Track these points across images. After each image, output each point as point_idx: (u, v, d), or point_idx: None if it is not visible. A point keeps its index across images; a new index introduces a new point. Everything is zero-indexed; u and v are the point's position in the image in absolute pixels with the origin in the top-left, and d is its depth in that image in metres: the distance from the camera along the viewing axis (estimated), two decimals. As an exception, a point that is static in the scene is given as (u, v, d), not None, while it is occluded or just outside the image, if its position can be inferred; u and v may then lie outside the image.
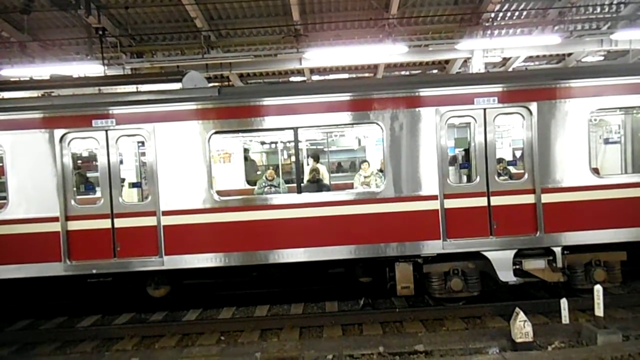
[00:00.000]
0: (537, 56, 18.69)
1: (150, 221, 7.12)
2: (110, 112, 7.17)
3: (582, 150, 7.04)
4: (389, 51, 14.46)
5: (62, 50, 15.82)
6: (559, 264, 7.04)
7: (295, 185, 7.63)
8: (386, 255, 7.15)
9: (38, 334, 7.41)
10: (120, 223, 7.16)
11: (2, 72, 14.30)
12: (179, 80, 7.67)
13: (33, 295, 8.22)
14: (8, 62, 15.08)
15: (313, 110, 7.18)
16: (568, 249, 7.13)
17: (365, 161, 9.71)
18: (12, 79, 13.71)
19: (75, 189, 7.29)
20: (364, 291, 8.13)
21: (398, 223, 7.07)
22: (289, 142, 11.61)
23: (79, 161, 9.79)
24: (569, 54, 18.57)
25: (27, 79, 13.48)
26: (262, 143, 14.16)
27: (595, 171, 7.42)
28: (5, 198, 7.19)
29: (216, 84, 18.73)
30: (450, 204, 7.04)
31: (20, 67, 14.32)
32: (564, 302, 6.62)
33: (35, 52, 15.46)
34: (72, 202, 7.16)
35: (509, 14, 15.37)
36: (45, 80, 9.28)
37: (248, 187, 11.68)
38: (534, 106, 7.05)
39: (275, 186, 9.23)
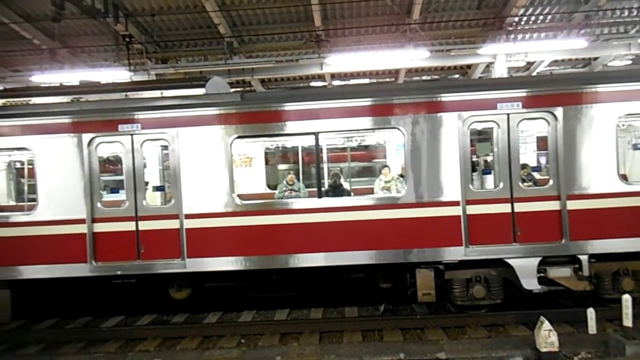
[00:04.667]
0: (562, 60, 18.33)
1: (173, 224, 7.23)
2: (136, 117, 7.34)
3: (609, 156, 6.88)
4: (411, 56, 14.41)
5: (90, 57, 16.28)
6: (586, 273, 6.86)
7: (315, 189, 7.65)
8: (407, 262, 7.10)
9: (64, 334, 7.59)
10: (144, 225, 7.30)
11: (33, 78, 14.81)
12: (203, 86, 7.79)
13: (59, 295, 8.43)
14: (39, 68, 15.60)
15: (334, 116, 7.21)
16: (595, 257, 6.95)
17: (386, 166, 9.68)
18: (42, 85, 14.18)
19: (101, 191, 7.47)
20: (384, 297, 8.08)
21: (419, 229, 7.01)
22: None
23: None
24: (595, 58, 18.16)
25: (57, 84, 13.91)
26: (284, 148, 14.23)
27: (624, 177, 7.23)
28: (35, 200, 7.42)
29: (238, 89, 18.96)
30: (473, 210, 6.96)
31: (50, 73, 14.79)
32: (590, 312, 6.45)
33: (65, 58, 15.94)
34: (98, 204, 7.33)
35: (533, 18, 15.16)
36: (74, 86, 9.56)
37: (269, 191, 11.76)
38: (559, 111, 6.93)
39: (295, 190, 9.27)
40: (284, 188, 9.35)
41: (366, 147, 14.67)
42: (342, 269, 7.31)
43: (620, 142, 7.41)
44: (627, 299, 5.95)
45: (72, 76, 14.30)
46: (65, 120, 7.36)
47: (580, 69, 19.60)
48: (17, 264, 7.29)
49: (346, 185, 10.00)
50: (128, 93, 8.51)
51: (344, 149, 13.07)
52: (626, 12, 15.02)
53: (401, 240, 7.03)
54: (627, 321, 5.92)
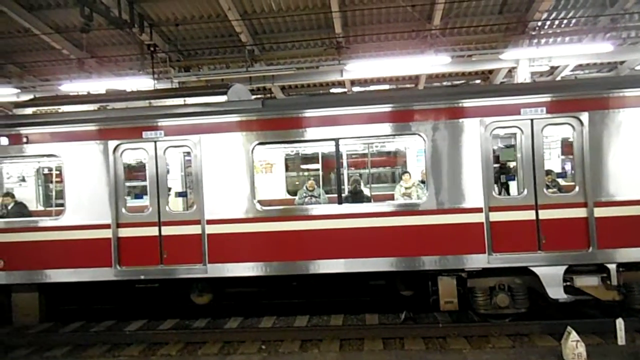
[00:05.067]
0: (587, 64, 17.97)
1: (195, 229, 7.33)
2: (159, 124, 7.48)
3: (638, 161, 6.69)
4: (431, 62, 14.33)
5: (116, 66, 16.73)
6: (614, 282, 6.66)
7: (336, 195, 7.65)
8: (428, 269, 7.02)
9: (89, 337, 7.73)
10: (166, 231, 7.41)
11: (63, 87, 15.28)
12: (224, 93, 7.90)
13: (84, 299, 8.62)
14: (68, 77, 16.10)
15: (354, 122, 7.21)
16: (624, 266, 6.75)
17: (407, 172, 9.62)
18: (71, 94, 14.62)
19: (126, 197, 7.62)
20: (405, 305, 7.99)
21: (440, 236, 6.93)
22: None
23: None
24: (622, 62, 17.73)
25: (85, 93, 14.31)
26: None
27: (654, 184, 7.01)
28: (62, 205, 7.62)
29: (259, 96, 19.16)
30: (496, 216, 6.85)
31: (78, 82, 15.24)
32: (619, 322, 6.26)
33: (93, 68, 16.42)
34: (123, 209, 7.49)
35: (557, 22, 14.90)
36: (101, 95, 9.81)
37: (289, 197, 11.81)
38: (585, 116, 6.78)
39: (315, 197, 9.29)
40: (304, 194, 9.38)
41: (386, 153, 14.61)
42: (362, 275, 7.28)
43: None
44: (658, 309, 5.75)
45: (99, 85, 14.70)
46: (92, 127, 7.56)
47: (606, 73, 19.17)
48: (46, 267, 7.49)
49: (366, 192, 9.97)
50: (152, 101, 8.69)
51: (364, 155, 13.04)
52: (654, 15, 14.64)
53: (422, 247, 6.96)
54: (659, 333, 5.72)
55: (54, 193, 10.29)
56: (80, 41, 14.91)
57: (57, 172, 8.19)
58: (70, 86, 15.06)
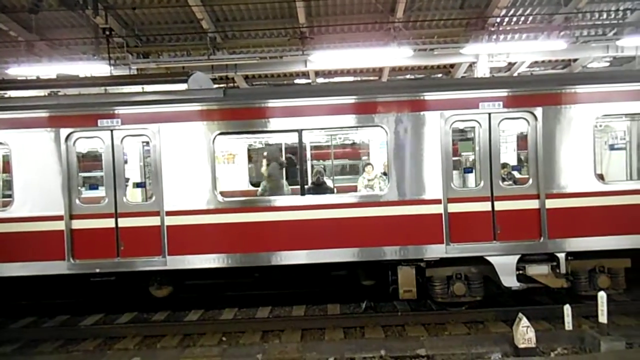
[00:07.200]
0: (543, 61, 18.65)
1: (153, 221, 7.14)
2: (116, 112, 7.20)
3: (587, 156, 7.02)
4: (394, 54, 14.47)
5: (69, 50, 15.92)
6: (563, 270, 7.01)
7: (298, 187, 7.62)
8: (389, 259, 7.14)
9: (41, 332, 7.45)
10: (124, 223, 7.18)
11: (10, 71, 14.42)
12: (185, 81, 7.69)
13: (36, 293, 8.26)
14: (15, 61, 15.20)
15: (317, 113, 7.20)
16: (572, 255, 7.10)
17: (369, 164, 9.71)
18: (19, 78, 13.83)
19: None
20: (366, 294, 8.12)
21: (401, 226, 7.06)
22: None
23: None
24: (575, 60, 18.52)
25: (34, 78, 13.56)
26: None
27: (600, 177, 7.39)
28: (10, 196, 7.23)
29: (221, 85, 18.78)
30: (454, 208, 7.03)
31: (27, 66, 14.43)
32: (567, 309, 6.59)
33: (43, 51, 15.57)
34: (77, 201, 7.19)
35: (514, 18, 15.37)
36: (52, 80, 9.33)
37: (251, 188, 11.69)
38: (539, 111, 7.04)
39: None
40: (267, 185, 9.29)
41: (350, 144, 14.70)
42: (324, 266, 7.32)
43: (597, 142, 7.57)
44: (602, 296, 6.09)
45: (49, 69, 13.97)
46: (42, 114, 7.19)
47: (559, 70, 19.97)
48: (-9, 261, 7.10)
49: (329, 183, 10.00)
50: (108, 87, 8.34)
51: (327, 147, 13.06)
52: (604, 15, 15.35)
53: (383, 237, 7.06)
54: (602, 318, 6.05)
55: (1, 183, 9.75)
56: (29, 22, 14.08)
57: (5, 161, 7.75)
58: (18, 70, 14.23)
